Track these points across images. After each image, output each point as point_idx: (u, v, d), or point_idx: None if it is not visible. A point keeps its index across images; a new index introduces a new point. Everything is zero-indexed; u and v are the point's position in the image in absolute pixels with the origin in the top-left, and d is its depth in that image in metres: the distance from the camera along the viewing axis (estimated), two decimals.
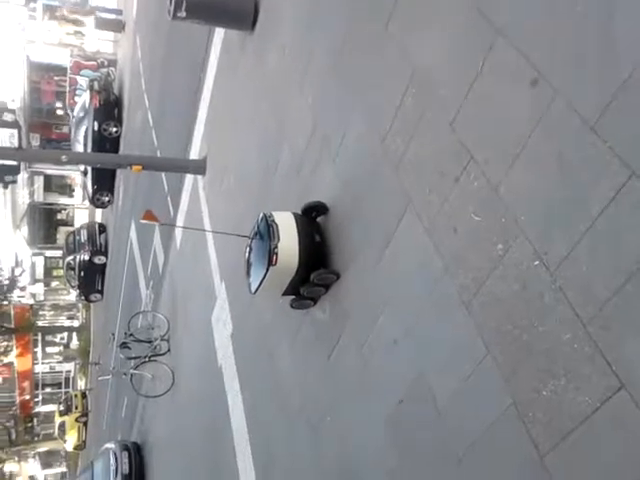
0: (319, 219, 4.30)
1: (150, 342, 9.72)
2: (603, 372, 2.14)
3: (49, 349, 36.84)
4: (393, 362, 3.46)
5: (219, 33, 7.40)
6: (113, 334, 11.61)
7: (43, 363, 36.09)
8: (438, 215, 3.06)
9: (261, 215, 4.24)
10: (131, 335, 9.74)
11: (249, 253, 4.37)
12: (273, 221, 4.05)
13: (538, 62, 2.47)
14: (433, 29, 3.20)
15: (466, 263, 2.86)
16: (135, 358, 9.74)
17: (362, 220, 3.83)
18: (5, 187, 22.90)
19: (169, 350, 9.60)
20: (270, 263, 3.98)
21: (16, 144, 7.62)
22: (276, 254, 3.94)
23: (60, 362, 36.73)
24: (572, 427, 2.26)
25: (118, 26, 20.54)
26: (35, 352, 35.21)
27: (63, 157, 7.57)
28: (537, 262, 2.42)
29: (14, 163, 8.35)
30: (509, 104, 2.62)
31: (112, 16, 21.04)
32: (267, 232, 4.05)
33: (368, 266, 3.70)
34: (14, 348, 32.91)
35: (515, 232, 2.54)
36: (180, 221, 9.32)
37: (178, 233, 9.45)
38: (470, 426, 2.80)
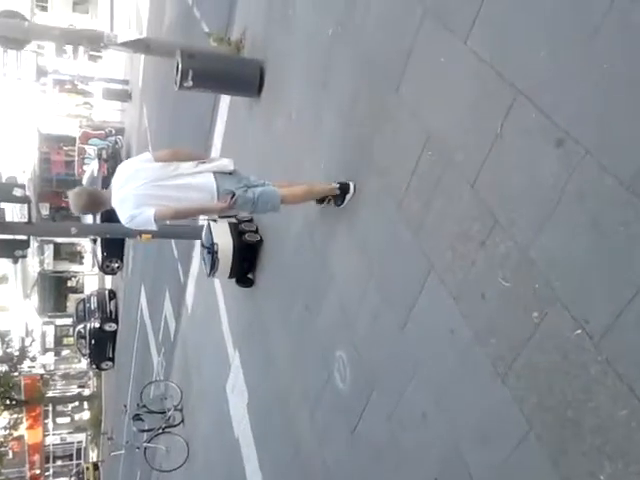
0: None
1: (163, 413, 9.46)
2: None
3: (60, 420, 36.10)
4: (424, 436, 3.24)
5: (225, 99, 7.49)
6: (125, 406, 11.33)
7: (54, 434, 35.27)
8: (463, 280, 2.92)
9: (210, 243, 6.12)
10: (144, 406, 9.50)
11: (204, 259, 6.41)
12: (217, 258, 6.07)
13: (562, 122, 2.37)
14: (446, 90, 3.14)
15: (498, 331, 2.69)
16: (148, 430, 9.47)
17: (382, 283, 3.69)
18: (15, 262, 23.02)
19: (183, 421, 9.30)
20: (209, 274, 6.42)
21: (26, 217, 7.66)
22: (214, 273, 6.27)
23: (71, 433, 35.90)
24: None
25: (125, 95, 21.05)
26: (46, 423, 34.48)
27: (73, 229, 7.55)
28: (579, 331, 2.26)
29: (24, 237, 8.30)
30: (534, 165, 2.52)
31: (119, 86, 21.60)
32: (211, 257, 6.13)
33: (392, 332, 3.53)
34: (24, 420, 32.22)
35: (551, 299, 2.39)
36: (191, 288, 9.20)
37: (189, 298, 9.31)
38: None
